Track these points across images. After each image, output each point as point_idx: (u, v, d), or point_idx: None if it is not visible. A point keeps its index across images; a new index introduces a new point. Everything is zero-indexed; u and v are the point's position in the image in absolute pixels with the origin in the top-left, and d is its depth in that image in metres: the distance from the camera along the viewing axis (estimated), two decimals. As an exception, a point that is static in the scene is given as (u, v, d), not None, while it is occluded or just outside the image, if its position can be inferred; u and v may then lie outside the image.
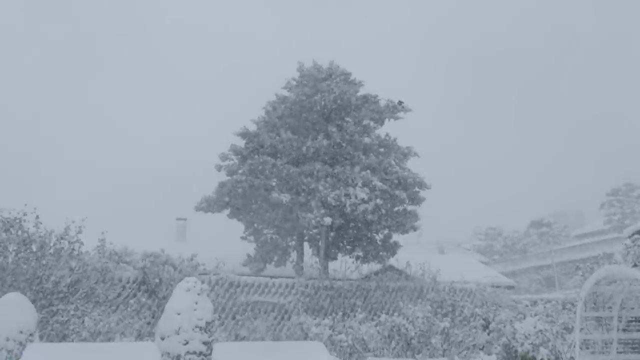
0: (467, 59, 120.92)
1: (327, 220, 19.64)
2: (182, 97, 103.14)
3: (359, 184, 20.08)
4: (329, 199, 19.69)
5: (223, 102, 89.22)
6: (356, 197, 19.79)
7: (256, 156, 20.83)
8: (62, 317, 12.85)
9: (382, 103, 22.32)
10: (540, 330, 12.48)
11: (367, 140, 21.26)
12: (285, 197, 19.87)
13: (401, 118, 22.54)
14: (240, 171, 21.18)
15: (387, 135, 22.42)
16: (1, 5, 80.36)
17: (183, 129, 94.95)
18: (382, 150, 22.00)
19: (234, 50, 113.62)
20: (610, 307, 12.35)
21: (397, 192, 20.76)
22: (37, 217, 13.58)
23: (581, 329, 11.99)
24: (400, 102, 22.07)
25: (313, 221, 19.58)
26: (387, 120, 22.63)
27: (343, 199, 19.79)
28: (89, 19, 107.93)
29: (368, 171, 20.76)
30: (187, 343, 10.03)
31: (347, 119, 21.42)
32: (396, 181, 20.99)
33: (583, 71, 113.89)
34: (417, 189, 21.52)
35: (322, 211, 19.89)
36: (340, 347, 14.28)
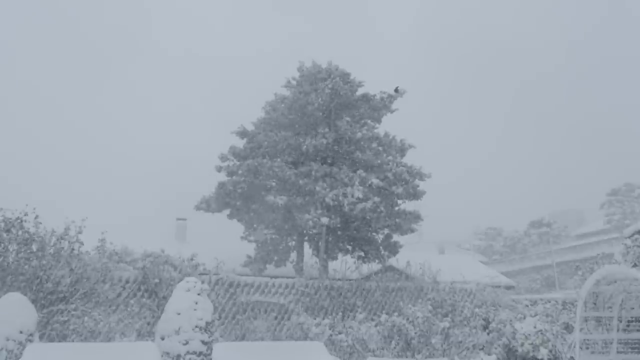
0: (469, 60, 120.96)
1: (325, 220, 19.63)
2: (183, 98, 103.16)
3: (356, 183, 20.06)
4: (326, 199, 19.68)
5: (225, 102, 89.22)
6: (352, 195, 19.76)
7: (252, 158, 20.85)
8: (62, 317, 12.84)
9: (378, 97, 22.31)
10: (540, 330, 12.46)
11: (359, 135, 21.23)
12: (281, 200, 19.88)
13: (397, 109, 22.51)
14: (239, 172, 21.20)
15: (386, 134, 22.42)
16: (2, 6, 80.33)
17: (185, 130, 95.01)
18: (380, 148, 21.98)
19: (235, 50, 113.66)
20: (610, 307, 12.36)
21: (393, 188, 20.73)
22: (37, 217, 13.54)
23: (581, 329, 12.00)
24: (396, 89, 22.01)
25: (310, 222, 19.57)
26: (384, 116, 22.64)
27: (341, 198, 19.77)
28: (90, 21, 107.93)
29: (365, 170, 20.75)
30: (187, 343, 10.04)
31: (346, 118, 21.42)
32: (392, 178, 20.96)
33: (584, 71, 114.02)
34: (416, 182, 21.47)
35: (320, 211, 19.89)
36: (340, 347, 14.27)
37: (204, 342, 10.14)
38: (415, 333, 13.84)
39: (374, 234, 21.82)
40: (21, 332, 9.73)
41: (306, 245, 22.41)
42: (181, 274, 15.35)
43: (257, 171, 20.57)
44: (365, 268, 21.97)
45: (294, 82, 22.74)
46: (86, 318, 12.96)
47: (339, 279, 19.06)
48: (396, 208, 21.61)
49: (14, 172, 55.31)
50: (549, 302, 15.78)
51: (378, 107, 22.30)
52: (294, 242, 22.30)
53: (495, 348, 13.79)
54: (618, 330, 12.29)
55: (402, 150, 22.18)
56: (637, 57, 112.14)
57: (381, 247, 21.88)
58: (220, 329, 15.06)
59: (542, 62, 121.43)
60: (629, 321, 12.45)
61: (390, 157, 21.42)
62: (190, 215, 24.88)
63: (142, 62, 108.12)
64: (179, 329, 10.07)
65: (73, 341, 12.39)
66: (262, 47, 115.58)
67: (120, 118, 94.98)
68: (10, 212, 13.43)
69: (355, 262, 21.37)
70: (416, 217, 21.72)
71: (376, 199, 20.00)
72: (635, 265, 12.89)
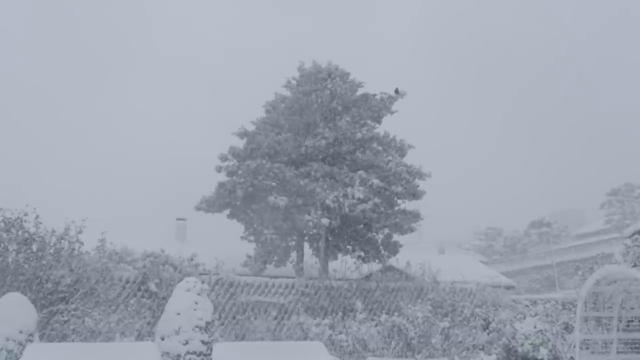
0: (469, 60, 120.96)
1: (325, 221, 19.62)
2: (183, 98, 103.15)
3: (357, 183, 20.05)
4: (327, 201, 19.67)
5: (225, 103, 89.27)
6: (353, 196, 19.75)
7: (251, 159, 20.83)
8: (62, 317, 12.84)
9: (378, 97, 22.32)
10: (540, 330, 12.46)
11: (359, 135, 21.23)
12: (282, 201, 19.87)
13: (397, 111, 22.54)
14: (239, 172, 21.19)
15: (385, 134, 22.42)
16: (2, 6, 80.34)
17: (185, 130, 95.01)
18: (380, 148, 21.99)
19: (235, 51, 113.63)
20: (610, 307, 12.35)
21: (393, 187, 20.70)
22: (37, 217, 13.54)
23: (581, 329, 11.99)
24: (396, 91, 22.04)
25: (310, 223, 19.57)
26: (384, 116, 22.65)
27: (341, 199, 19.76)
28: (91, 23, 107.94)
29: (365, 170, 20.74)
30: (187, 343, 10.04)
31: (346, 118, 21.43)
32: (392, 177, 20.95)
33: (584, 72, 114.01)
34: (416, 181, 21.46)
35: (320, 212, 19.87)
36: (340, 347, 14.27)
37: (204, 342, 10.14)
38: (415, 333, 13.85)
39: (374, 234, 21.81)
40: (21, 332, 9.72)
41: (306, 245, 22.40)
42: (181, 274, 15.34)
43: (256, 172, 20.57)
44: (365, 268, 21.96)
45: (294, 82, 22.75)
46: (86, 318, 12.96)
47: (339, 279, 19.05)
48: (396, 208, 21.62)
49: (13, 172, 55.33)
50: (549, 302, 15.76)
51: (378, 107, 22.32)
52: (294, 242, 22.29)
53: (495, 348, 13.79)
54: (618, 330, 12.28)
55: (402, 150, 22.19)
56: (637, 57, 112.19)
57: (381, 247, 21.87)
58: (220, 329, 15.06)
59: (542, 62, 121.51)
60: (629, 321, 12.44)
61: (390, 157, 21.42)
62: (190, 215, 24.87)
63: (142, 62, 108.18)
64: (179, 329, 10.07)
65: (73, 341, 12.39)
66: (262, 47, 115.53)
67: (120, 118, 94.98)
68: (10, 212, 13.42)
69: (355, 262, 21.36)
70: (416, 216, 21.72)
71: (376, 199, 20.00)
72: (635, 265, 12.89)
